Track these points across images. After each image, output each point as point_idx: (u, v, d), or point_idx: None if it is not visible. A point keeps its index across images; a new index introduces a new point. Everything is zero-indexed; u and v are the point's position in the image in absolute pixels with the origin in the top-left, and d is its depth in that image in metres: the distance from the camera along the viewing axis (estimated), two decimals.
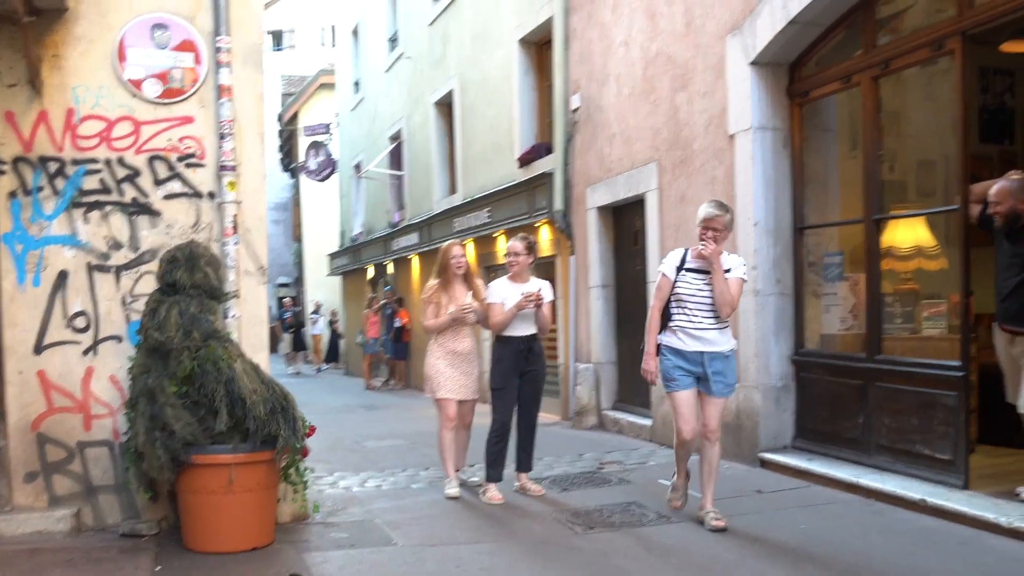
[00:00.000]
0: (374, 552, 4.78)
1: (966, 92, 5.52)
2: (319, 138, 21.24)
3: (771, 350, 6.75)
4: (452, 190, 14.35)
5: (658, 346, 5.21)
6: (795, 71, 6.81)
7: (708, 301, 5.04)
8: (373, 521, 5.48)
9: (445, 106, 14.57)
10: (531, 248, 6.24)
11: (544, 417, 10.74)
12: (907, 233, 6.52)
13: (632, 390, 9.11)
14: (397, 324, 16.37)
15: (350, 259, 21.29)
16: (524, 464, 6.24)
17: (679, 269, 5.12)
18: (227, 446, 4.74)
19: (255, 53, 5.76)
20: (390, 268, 18.02)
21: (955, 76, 5.52)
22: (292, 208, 32.32)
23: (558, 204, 10.14)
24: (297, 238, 30.61)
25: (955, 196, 5.61)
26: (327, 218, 25.48)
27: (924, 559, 4.36)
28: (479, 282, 6.53)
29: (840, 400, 6.36)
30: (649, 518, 5.37)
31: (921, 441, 5.65)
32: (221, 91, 5.52)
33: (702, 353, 5.05)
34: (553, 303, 6.50)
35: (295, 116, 26.52)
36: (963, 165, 5.55)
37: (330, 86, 24.64)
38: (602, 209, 9.46)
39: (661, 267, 5.27)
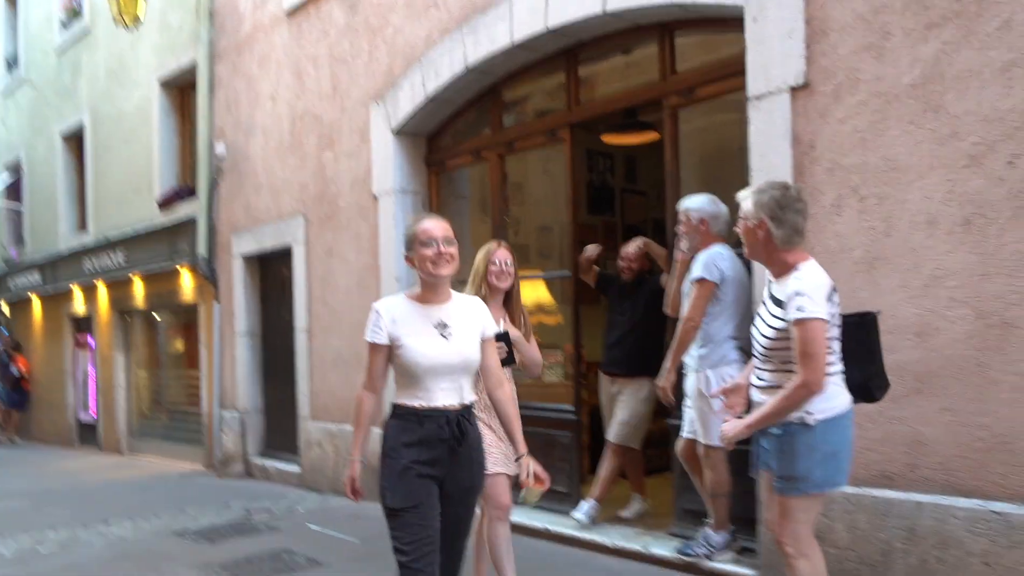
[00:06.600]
0: None
1: (574, 173, 6.46)
2: None
3: None
4: (82, 227, 13.47)
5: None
6: (433, 142, 7.46)
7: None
8: None
9: (75, 139, 13.68)
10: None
11: (185, 467, 10.50)
12: (530, 292, 7.37)
13: (279, 437, 9.21)
14: (14, 372, 14.95)
15: None
16: None
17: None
18: None
19: None
20: (5, 310, 16.37)
21: (566, 159, 6.42)
22: None
23: (202, 250, 10.01)
24: None
25: (568, 263, 6.48)
26: None
27: None
28: (522, 306, 4.46)
29: None
30: (300, 563, 5.56)
31: None
32: None
33: None
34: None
35: None
36: (573, 234, 6.47)
37: None
38: (248, 257, 9.50)
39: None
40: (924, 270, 4.00)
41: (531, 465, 3.43)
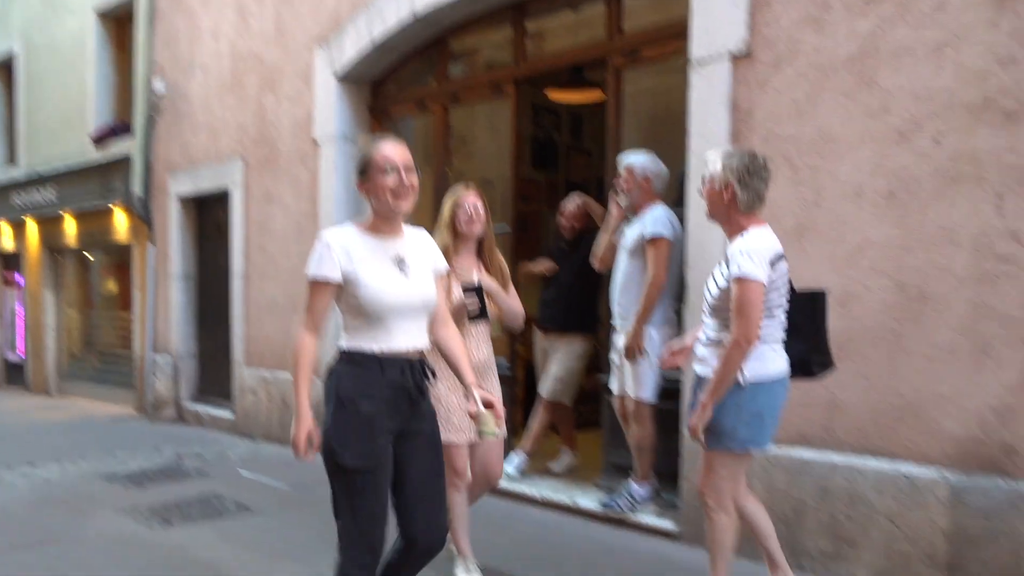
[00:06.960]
0: None
1: (518, 127, 6.46)
2: None
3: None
4: (11, 161, 13.07)
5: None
6: (377, 89, 7.37)
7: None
8: None
9: (4, 68, 13.19)
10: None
11: (115, 410, 10.37)
12: None
13: (213, 382, 9.16)
14: None
15: None
16: None
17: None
18: None
19: None
20: None
21: (510, 113, 6.42)
22: None
23: (137, 189, 9.79)
24: None
25: (509, 218, 6.49)
26: None
27: (474, 533, 5.06)
28: (498, 254, 4.24)
29: None
30: (228, 509, 5.58)
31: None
32: None
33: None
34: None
35: None
36: (515, 189, 6.49)
37: None
38: (185, 198, 9.32)
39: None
40: (849, 240, 4.12)
41: (479, 393, 2.97)
